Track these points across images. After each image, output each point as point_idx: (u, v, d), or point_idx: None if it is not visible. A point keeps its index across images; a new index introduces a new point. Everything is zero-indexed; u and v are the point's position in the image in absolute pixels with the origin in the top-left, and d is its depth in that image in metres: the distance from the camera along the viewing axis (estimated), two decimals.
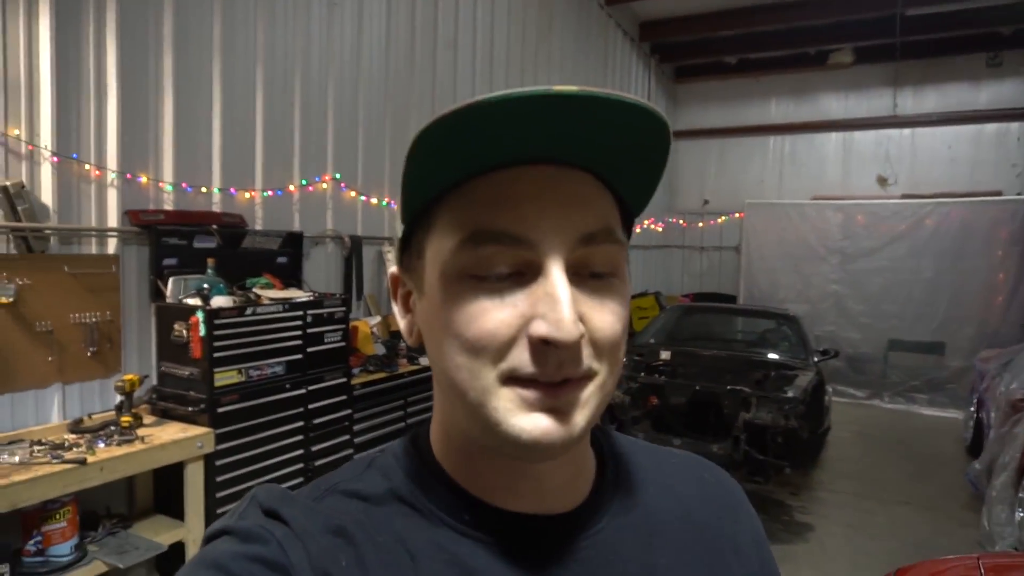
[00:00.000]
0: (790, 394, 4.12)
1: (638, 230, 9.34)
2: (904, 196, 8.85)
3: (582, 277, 0.47)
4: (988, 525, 4.05)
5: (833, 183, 9.71)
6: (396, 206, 0.54)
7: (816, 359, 5.07)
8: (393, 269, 0.57)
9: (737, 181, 10.50)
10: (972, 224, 7.68)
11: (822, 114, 9.90)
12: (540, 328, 0.44)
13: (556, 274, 0.45)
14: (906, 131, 9.30)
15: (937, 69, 9.02)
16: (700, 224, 10.67)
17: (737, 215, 9.60)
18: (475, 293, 0.46)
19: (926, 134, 9.09)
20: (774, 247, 8.53)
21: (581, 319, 0.45)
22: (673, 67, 10.82)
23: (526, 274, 0.46)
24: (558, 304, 0.43)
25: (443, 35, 5.30)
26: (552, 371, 0.45)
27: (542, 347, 0.44)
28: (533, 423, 0.45)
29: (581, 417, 0.47)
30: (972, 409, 5.85)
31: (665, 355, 4.99)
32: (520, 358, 0.45)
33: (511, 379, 0.45)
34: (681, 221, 10.73)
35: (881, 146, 9.44)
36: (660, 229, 10.30)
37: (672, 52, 10.17)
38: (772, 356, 5.17)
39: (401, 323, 0.57)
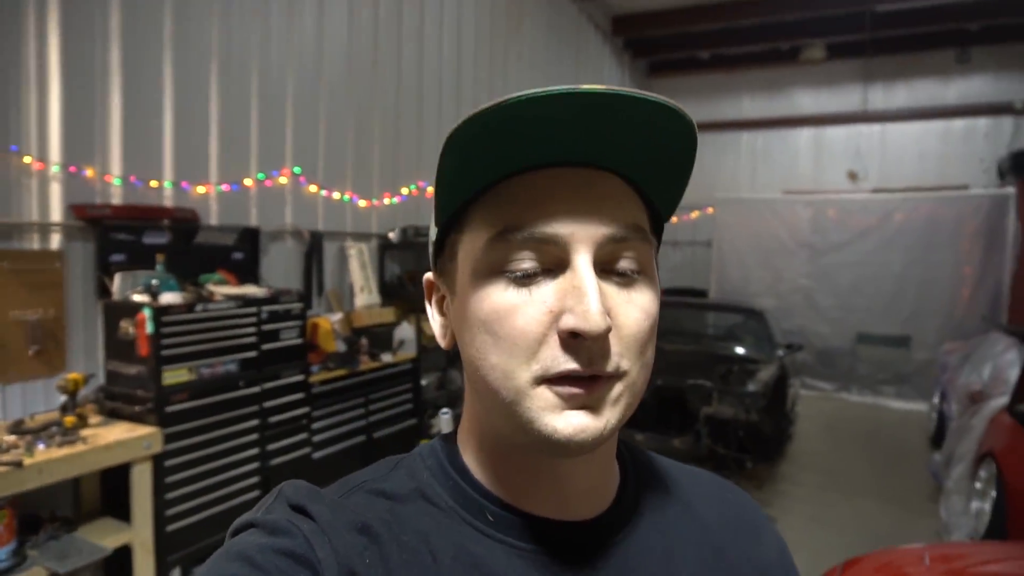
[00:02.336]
0: (751, 388, 4.13)
1: None
2: (875, 191, 8.93)
3: (609, 275, 0.48)
4: (946, 516, 4.10)
5: (805, 178, 9.77)
6: (432, 212, 0.54)
7: (781, 353, 5.10)
8: (428, 274, 0.59)
9: (711, 176, 10.51)
10: (939, 218, 7.77)
11: (794, 109, 9.95)
12: (568, 321, 0.45)
13: (583, 267, 0.46)
14: (876, 126, 9.37)
15: (907, 65, 9.10)
16: (673, 219, 10.62)
17: (710, 210, 9.63)
18: (504, 290, 0.47)
19: (896, 129, 9.17)
20: (745, 242, 8.57)
21: (609, 314, 0.46)
22: (647, 62, 10.82)
23: (555, 271, 0.47)
24: (585, 296, 0.45)
25: (408, 26, 5.23)
26: (583, 367, 0.46)
27: (571, 341, 0.45)
28: (566, 421, 0.46)
29: (612, 415, 0.48)
30: (935, 401, 5.92)
31: None
32: (552, 357, 0.46)
33: (544, 380, 0.46)
34: None
35: (852, 141, 9.50)
36: None
37: (646, 47, 10.17)
38: (737, 350, 5.19)
39: (435, 327, 0.58)
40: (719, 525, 0.63)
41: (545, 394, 0.46)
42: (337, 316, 4.38)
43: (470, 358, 0.51)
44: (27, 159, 2.88)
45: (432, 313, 0.59)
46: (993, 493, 3.55)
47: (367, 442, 4.26)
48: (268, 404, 3.48)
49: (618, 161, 0.49)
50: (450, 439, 0.59)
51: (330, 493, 0.54)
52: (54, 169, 2.98)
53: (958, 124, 8.78)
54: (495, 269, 0.48)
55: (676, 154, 0.49)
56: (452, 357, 5.55)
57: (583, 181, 0.48)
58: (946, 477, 4.37)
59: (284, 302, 3.59)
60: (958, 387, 4.83)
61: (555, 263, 0.47)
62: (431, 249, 0.56)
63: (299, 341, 3.69)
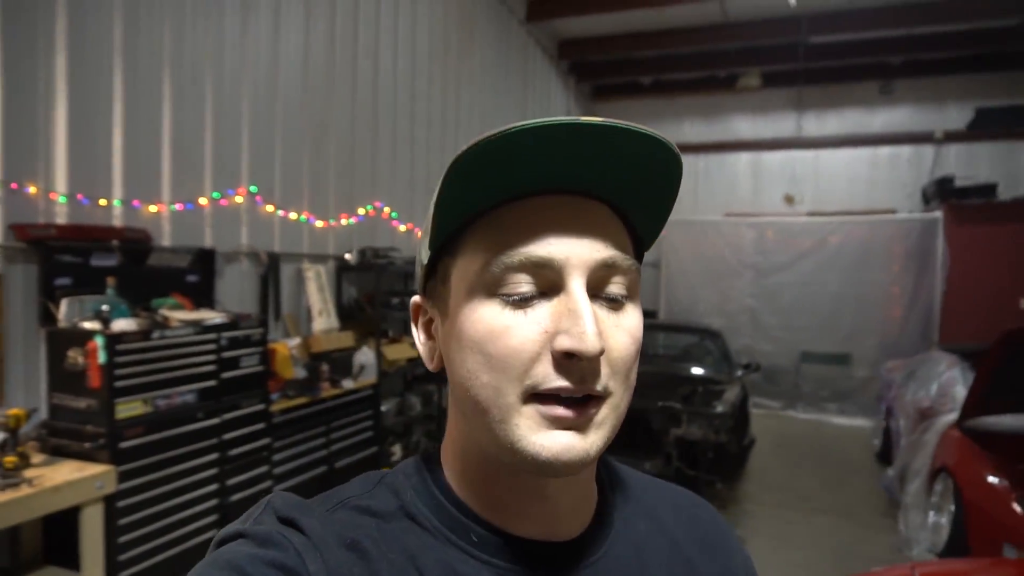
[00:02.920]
0: (719, 409, 4.16)
1: None
2: (810, 214, 9.30)
3: (600, 300, 0.50)
4: (905, 530, 4.21)
5: (744, 201, 10.09)
6: (422, 236, 0.56)
7: (739, 373, 5.18)
8: (415, 297, 0.60)
9: None
10: (871, 241, 8.14)
11: (732, 134, 10.29)
12: (564, 342, 0.46)
13: (578, 291, 0.48)
14: (810, 152, 9.78)
15: (837, 94, 9.56)
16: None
17: None
18: (500, 311, 0.48)
19: (828, 155, 9.59)
20: (693, 263, 8.76)
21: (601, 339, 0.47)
22: (591, 86, 11.01)
23: (548, 294, 0.49)
24: (580, 318, 0.46)
25: (363, 44, 5.13)
26: (575, 385, 0.47)
27: (565, 361, 0.47)
28: (553, 440, 0.47)
29: (598, 436, 0.49)
30: (881, 418, 6.13)
31: None
32: (544, 373, 0.47)
33: (534, 396, 0.47)
34: None
35: (788, 166, 9.89)
36: None
37: (590, 71, 10.35)
38: (697, 371, 5.24)
39: (422, 349, 0.58)
40: (690, 540, 0.64)
41: (534, 413, 0.47)
42: (295, 341, 4.19)
43: (460, 378, 0.51)
44: None
45: (418, 335, 0.59)
46: (951, 507, 3.67)
47: (328, 472, 4.08)
48: (228, 436, 3.28)
49: (607, 190, 0.51)
50: (431, 458, 0.60)
51: (319, 507, 0.54)
52: None
53: (884, 151, 9.27)
54: (491, 292, 0.49)
55: (662, 185, 0.51)
56: (409, 383, 5.40)
57: (576, 208, 0.50)
58: (901, 492, 4.50)
59: (244, 327, 3.40)
60: (906, 404, 5.01)
61: (549, 286, 0.49)
62: (420, 272, 0.57)
63: (260, 368, 3.50)
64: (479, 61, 7.10)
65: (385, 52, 5.41)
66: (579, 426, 0.48)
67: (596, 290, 0.50)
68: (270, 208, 4.23)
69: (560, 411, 0.47)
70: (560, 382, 0.47)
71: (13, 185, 2.80)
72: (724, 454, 4.06)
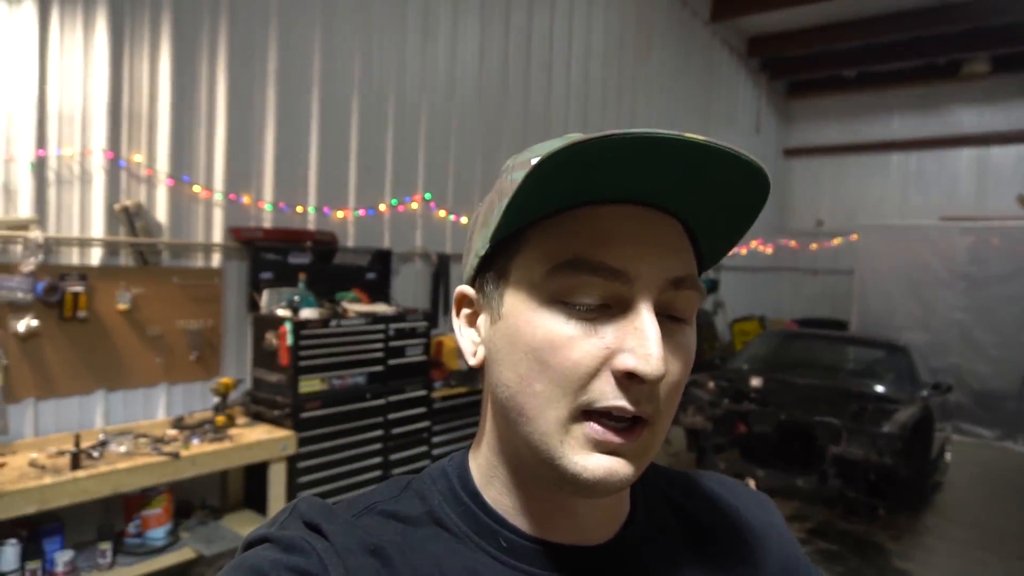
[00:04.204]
0: (886, 429, 3.84)
1: (744, 252, 9.02)
2: None
3: (661, 319, 0.48)
4: None
5: (965, 203, 8.96)
6: (477, 225, 0.55)
7: (925, 393, 4.69)
8: (462, 287, 0.57)
9: (855, 201, 9.92)
10: None
11: (953, 128, 9.18)
12: (628, 361, 0.45)
13: (647, 309, 0.46)
14: None
15: None
16: (813, 246, 10.13)
17: (853, 237, 9.05)
18: (563, 320, 0.47)
19: None
20: (891, 271, 7.94)
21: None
22: (786, 83, 10.41)
23: (613, 308, 0.47)
24: (647, 340, 0.45)
25: (537, 58, 5.42)
26: (631, 406, 0.46)
27: (625, 381, 0.46)
28: (597, 463, 0.46)
29: (641, 462, 0.48)
30: None
31: (756, 382, 4.79)
32: (601, 390, 0.46)
33: (586, 412, 0.46)
34: (792, 243, 10.26)
35: (1023, 163, 8.62)
36: (770, 251, 9.87)
37: (784, 67, 9.80)
38: (874, 387, 4.83)
39: (463, 342, 0.56)
40: (723, 528, 0.63)
41: (583, 433, 0.46)
42: None
43: (508, 382, 0.50)
44: (196, 188, 3.29)
45: (460, 327, 0.57)
46: None
47: None
48: (392, 416, 3.70)
49: (685, 209, 0.49)
50: (461, 462, 0.58)
51: (346, 513, 0.54)
52: (217, 196, 3.39)
53: None
54: (555, 298, 0.47)
55: (742, 212, 0.49)
56: None
57: (652, 223, 0.48)
58: None
59: (410, 320, 3.81)
60: None
61: (617, 300, 0.47)
62: (473, 262, 0.55)
63: (423, 358, 3.90)
64: (658, 64, 7.10)
65: (559, 62, 5.66)
66: (625, 451, 0.47)
67: (661, 308, 0.48)
68: (442, 213, 4.66)
69: (610, 435, 0.46)
70: (618, 401, 0.45)
71: (232, 196, 3.44)
72: (892, 478, 3.72)
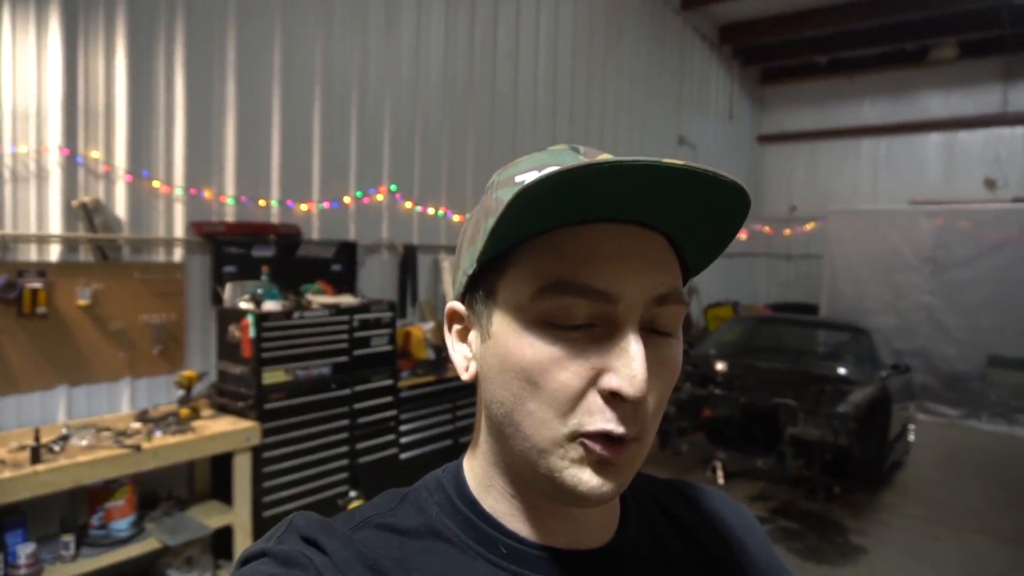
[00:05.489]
0: (840, 409, 3.94)
1: None
2: (1015, 199, 8.18)
3: (647, 334, 0.49)
4: None
5: (934, 187, 9.11)
6: (465, 242, 0.56)
7: (884, 374, 4.80)
8: (452, 304, 0.58)
9: (828, 186, 10.05)
10: None
11: (922, 114, 9.32)
12: (612, 381, 0.46)
13: (632, 329, 0.47)
14: (1019, 129, 8.59)
15: None
16: (787, 231, 10.27)
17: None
18: (550, 341, 0.48)
19: None
20: (860, 255, 8.07)
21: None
22: (758, 70, 10.50)
23: (599, 327, 0.48)
24: (632, 360, 0.46)
25: (503, 48, 5.45)
26: (617, 425, 0.47)
27: (611, 400, 0.47)
28: (591, 476, 0.48)
29: (629, 473, 0.50)
30: None
31: (720, 366, 4.89)
32: (589, 413, 0.47)
33: (579, 435, 0.47)
34: (766, 228, 10.38)
35: (990, 147, 8.77)
36: (744, 237, 9.98)
37: (757, 55, 9.88)
38: (834, 370, 4.93)
39: (455, 358, 0.57)
40: (702, 527, 0.66)
41: (577, 449, 0.47)
42: (429, 325, 4.63)
43: (502, 399, 0.51)
44: (156, 183, 3.31)
45: (452, 343, 0.58)
46: None
47: (453, 446, 4.46)
48: (358, 406, 3.75)
49: (668, 224, 0.50)
50: (456, 471, 0.59)
51: (343, 526, 0.54)
52: (178, 191, 3.41)
53: None
54: (541, 319, 0.48)
55: (724, 225, 0.50)
56: None
57: (636, 240, 0.49)
58: None
59: (375, 311, 3.86)
60: None
61: (602, 319, 0.48)
62: (462, 280, 0.55)
63: (389, 348, 3.95)
64: (629, 54, 7.14)
65: (526, 53, 5.69)
66: (615, 466, 0.48)
67: (646, 323, 0.49)
68: (408, 204, 4.70)
69: (602, 452, 0.47)
70: (606, 424, 0.47)
71: (192, 190, 3.46)
72: (846, 458, 3.82)
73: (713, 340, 5.82)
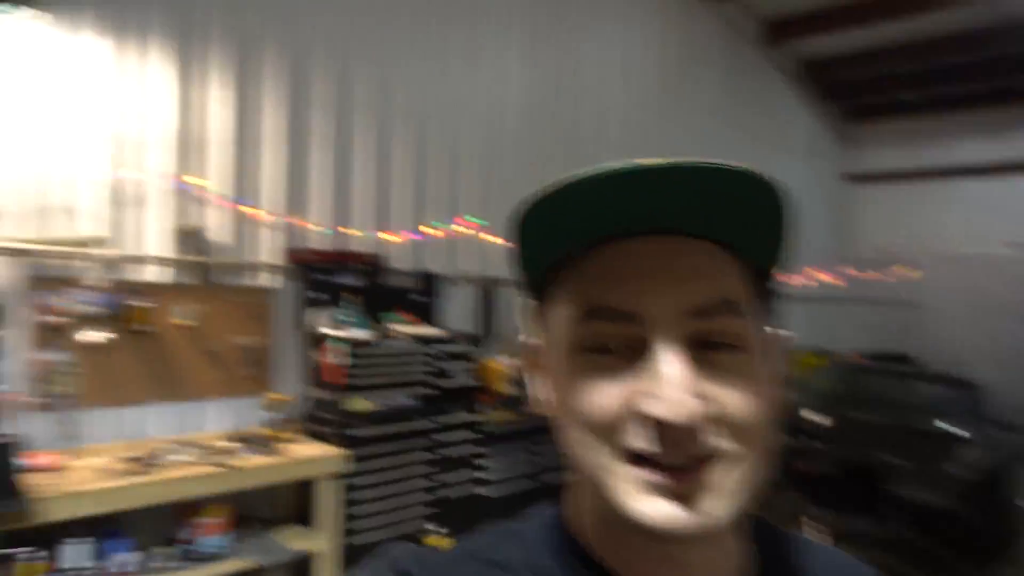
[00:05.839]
0: (952, 470, 3.62)
1: (802, 282, 8.78)
2: None
3: (704, 351, 0.45)
4: None
5: None
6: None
7: (997, 431, 4.42)
8: (523, 338, 0.58)
9: (920, 229, 9.59)
10: None
11: (1021, 154, 8.82)
12: (647, 406, 0.44)
13: (663, 349, 0.44)
14: None
15: None
16: (877, 276, 9.82)
17: (916, 268, 8.73)
18: (589, 368, 0.47)
19: None
20: (959, 302, 7.61)
21: (706, 396, 0.44)
22: (844, 107, 10.21)
23: (637, 349, 0.46)
24: (663, 382, 0.43)
25: (584, 81, 5.52)
26: (670, 452, 0.43)
27: (655, 426, 0.43)
28: (655, 508, 0.44)
29: (715, 503, 0.44)
30: None
31: (814, 418, 4.62)
32: (636, 436, 0.44)
33: (632, 456, 0.45)
34: (855, 272, 9.95)
35: None
36: (831, 280, 9.58)
37: (843, 91, 9.61)
38: (940, 426, 4.57)
39: (531, 392, 0.57)
40: None
41: (631, 474, 0.45)
42: (509, 360, 4.58)
43: (566, 432, 0.50)
44: (253, 210, 3.44)
45: (528, 377, 0.57)
46: None
47: (536, 487, 4.32)
48: (439, 437, 3.71)
49: (706, 227, 0.46)
50: (557, 508, 0.58)
51: (442, 560, 0.54)
52: (273, 219, 3.52)
53: None
54: (579, 347, 0.47)
55: (765, 214, 0.46)
56: None
57: (666, 252, 0.46)
58: None
59: (457, 343, 3.84)
60: None
61: (635, 341, 0.45)
62: (525, 316, 0.55)
63: (470, 382, 3.91)
64: (706, 87, 7.09)
65: (605, 86, 5.73)
66: (686, 494, 0.44)
67: (701, 338, 0.45)
68: (490, 238, 4.71)
69: (655, 476, 0.44)
70: (642, 444, 0.44)
71: (288, 219, 3.57)
72: (971, 529, 3.44)
73: (803, 388, 5.53)
